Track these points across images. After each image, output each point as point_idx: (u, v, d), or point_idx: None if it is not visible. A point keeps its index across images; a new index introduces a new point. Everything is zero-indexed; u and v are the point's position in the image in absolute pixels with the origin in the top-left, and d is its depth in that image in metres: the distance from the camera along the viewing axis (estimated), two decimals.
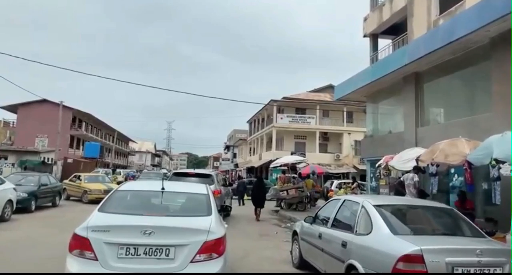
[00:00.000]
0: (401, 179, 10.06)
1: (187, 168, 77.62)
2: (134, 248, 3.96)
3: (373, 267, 4.41)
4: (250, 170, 44.11)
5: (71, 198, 19.42)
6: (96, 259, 3.91)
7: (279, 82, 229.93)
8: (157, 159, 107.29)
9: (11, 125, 46.84)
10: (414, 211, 5.74)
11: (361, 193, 17.53)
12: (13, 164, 29.99)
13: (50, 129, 37.05)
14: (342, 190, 20.54)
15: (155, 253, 3.97)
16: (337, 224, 5.80)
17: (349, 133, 38.10)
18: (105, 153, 53.70)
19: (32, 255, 7.10)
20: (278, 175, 24.44)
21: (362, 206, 5.24)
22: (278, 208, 17.90)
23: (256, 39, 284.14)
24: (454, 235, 4.96)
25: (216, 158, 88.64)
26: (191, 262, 3.99)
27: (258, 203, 14.70)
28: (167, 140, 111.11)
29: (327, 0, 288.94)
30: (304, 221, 6.96)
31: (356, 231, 5.06)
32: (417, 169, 9.36)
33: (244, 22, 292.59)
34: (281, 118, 38.69)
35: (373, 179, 15.34)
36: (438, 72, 12.05)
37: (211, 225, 4.25)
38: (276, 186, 19.39)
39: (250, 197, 16.03)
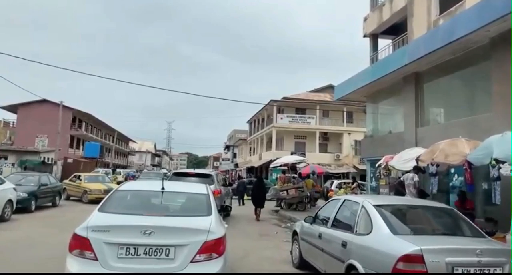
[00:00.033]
0: (401, 179, 10.06)
1: (187, 168, 77.61)
2: (134, 248, 3.96)
3: (373, 267, 4.41)
4: (250, 170, 44.09)
5: (71, 198, 19.42)
6: (96, 259, 3.91)
7: (279, 82, 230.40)
8: (157, 159, 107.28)
9: (11, 125, 46.83)
10: (414, 211, 5.74)
11: (361, 193, 17.53)
12: (13, 164, 29.99)
13: (50, 129, 37.05)
14: (342, 190, 20.54)
15: (155, 253, 3.97)
16: (337, 224, 5.80)
17: (349, 133, 38.10)
18: (105, 153, 53.69)
19: (32, 255, 7.10)
20: (278, 175, 24.43)
21: (362, 206, 5.24)
22: (278, 208, 17.90)
23: (256, 39, 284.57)
24: (454, 235, 4.96)
25: (216, 158, 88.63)
26: (191, 262, 3.99)
27: (258, 203, 14.70)
28: (167, 140, 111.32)
29: (327, 0, 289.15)
30: (304, 221, 6.95)
31: (356, 231, 5.07)
32: (417, 169, 9.35)
33: (244, 22, 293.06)
34: (281, 118, 38.69)
35: (373, 179, 15.34)
36: (438, 72, 12.05)
37: (211, 225, 4.25)
38: (276, 186, 19.38)
39: (250, 197, 16.03)
